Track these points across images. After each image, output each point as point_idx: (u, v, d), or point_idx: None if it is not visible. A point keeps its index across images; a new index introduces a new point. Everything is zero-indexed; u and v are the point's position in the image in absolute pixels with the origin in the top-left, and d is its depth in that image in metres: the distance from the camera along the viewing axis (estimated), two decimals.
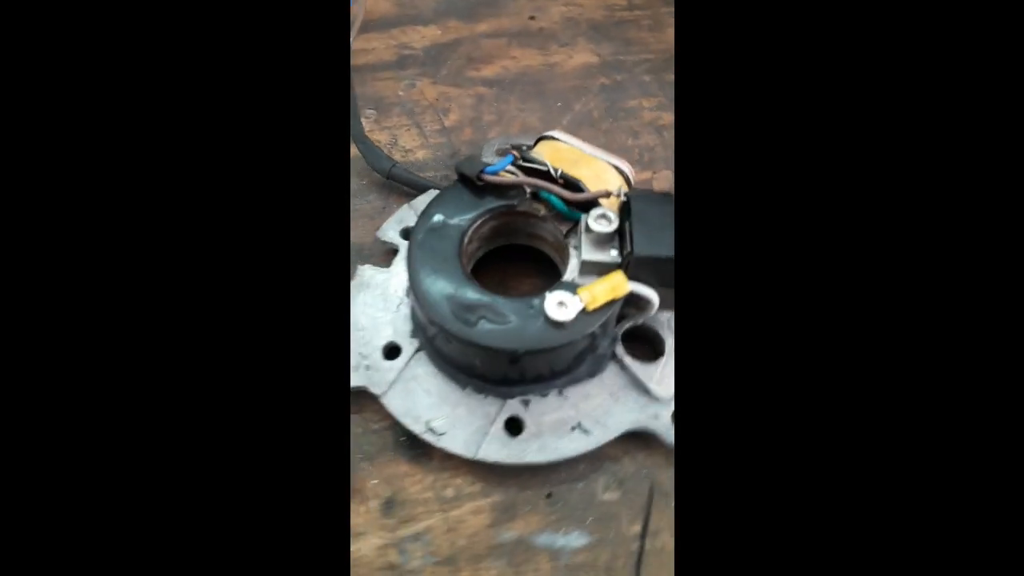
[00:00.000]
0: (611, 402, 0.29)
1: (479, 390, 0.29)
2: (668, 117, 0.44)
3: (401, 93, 0.42)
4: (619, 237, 0.28)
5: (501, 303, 0.27)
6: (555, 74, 0.45)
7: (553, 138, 0.31)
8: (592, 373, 0.29)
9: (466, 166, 0.29)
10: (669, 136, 0.42)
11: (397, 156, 0.39)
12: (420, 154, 0.40)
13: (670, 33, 0.49)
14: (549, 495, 0.28)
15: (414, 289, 0.27)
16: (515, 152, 0.30)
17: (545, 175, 0.29)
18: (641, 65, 0.46)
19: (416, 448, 0.29)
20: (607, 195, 0.29)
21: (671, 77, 0.46)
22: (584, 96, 0.44)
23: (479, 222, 0.30)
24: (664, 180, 0.40)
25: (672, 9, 0.50)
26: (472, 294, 0.27)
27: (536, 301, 0.27)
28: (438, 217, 0.29)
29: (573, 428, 0.28)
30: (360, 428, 0.30)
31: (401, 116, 0.41)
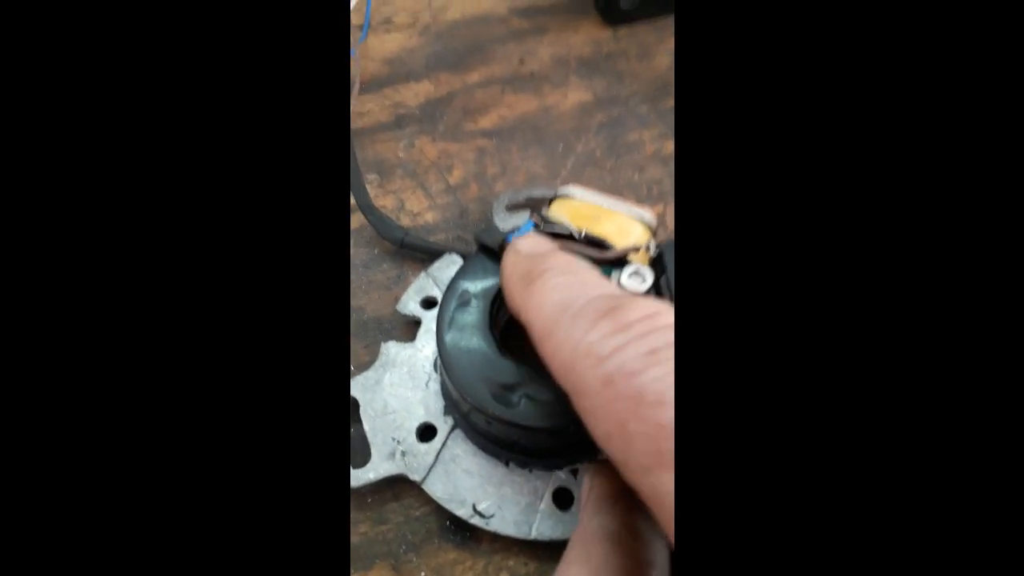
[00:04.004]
0: None
1: (523, 464, 0.28)
2: (671, 146, 0.43)
3: (402, 154, 0.42)
4: (655, 292, 0.27)
5: (539, 375, 0.26)
6: (552, 117, 0.44)
7: (567, 195, 0.30)
8: None
9: (487, 236, 0.29)
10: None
11: (405, 221, 0.39)
12: (429, 216, 0.39)
13: (660, 60, 0.48)
14: None
15: (450, 376, 0.26)
16: (535, 217, 0.29)
17: (568, 237, 0.28)
18: (635, 96, 0.46)
19: (463, 531, 0.28)
20: (636, 250, 0.28)
21: (667, 104, 0.45)
22: (584, 136, 0.43)
23: None
24: None
25: (659, 35, 0.50)
26: (509, 371, 0.26)
27: None
28: (463, 293, 0.28)
29: None
30: (401, 516, 0.29)
31: (404, 178, 0.41)
